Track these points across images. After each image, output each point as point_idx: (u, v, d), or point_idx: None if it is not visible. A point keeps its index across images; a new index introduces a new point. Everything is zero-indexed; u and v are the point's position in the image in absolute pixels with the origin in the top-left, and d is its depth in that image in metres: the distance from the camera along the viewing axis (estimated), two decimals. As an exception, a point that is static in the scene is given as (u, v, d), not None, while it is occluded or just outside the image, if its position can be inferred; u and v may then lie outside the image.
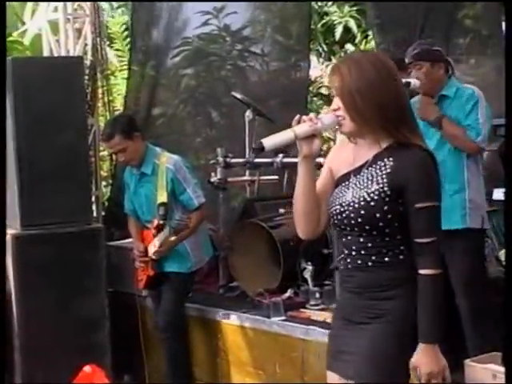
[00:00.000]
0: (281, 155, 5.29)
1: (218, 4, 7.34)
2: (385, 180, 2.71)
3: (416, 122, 2.85)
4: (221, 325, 5.19)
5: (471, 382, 3.97)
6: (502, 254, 5.51)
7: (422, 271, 2.69)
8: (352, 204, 2.75)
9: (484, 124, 4.48)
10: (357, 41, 10.90)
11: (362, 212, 2.72)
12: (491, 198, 5.22)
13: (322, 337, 4.51)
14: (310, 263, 5.08)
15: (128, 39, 8.95)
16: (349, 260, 2.80)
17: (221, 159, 5.57)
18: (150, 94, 7.20)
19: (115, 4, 11.63)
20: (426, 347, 2.68)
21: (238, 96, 6.15)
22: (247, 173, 6.04)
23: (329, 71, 2.85)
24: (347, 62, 2.80)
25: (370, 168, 2.77)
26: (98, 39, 6.73)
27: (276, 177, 6.02)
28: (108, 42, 10.07)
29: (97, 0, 6.87)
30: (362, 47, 10.82)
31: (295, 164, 5.34)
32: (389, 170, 2.72)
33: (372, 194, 2.72)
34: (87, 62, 6.59)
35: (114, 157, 6.56)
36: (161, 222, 5.04)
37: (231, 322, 5.12)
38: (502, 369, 3.77)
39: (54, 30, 6.77)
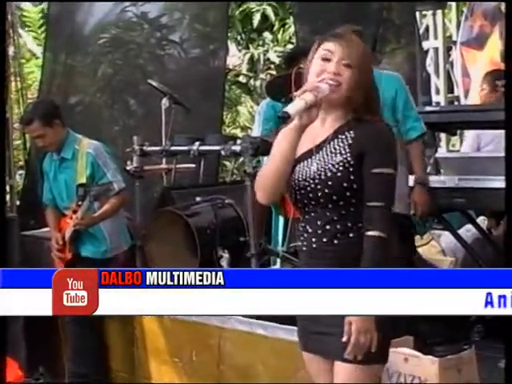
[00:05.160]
0: (197, 143, 5.28)
1: (136, -9, 7.29)
2: (347, 150, 2.79)
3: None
4: (137, 314, 5.16)
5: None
6: (415, 239, 5.62)
7: (369, 233, 2.73)
8: (318, 177, 2.80)
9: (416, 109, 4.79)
10: (275, 29, 10.96)
11: (330, 183, 2.78)
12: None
13: (238, 325, 4.54)
14: (226, 251, 5.08)
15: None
16: (314, 239, 2.83)
17: (137, 147, 5.53)
18: (66, 81, 7.10)
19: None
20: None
21: (154, 84, 6.11)
22: (164, 161, 6.00)
23: (332, 35, 2.88)
24: (352, 34, 2.90)
25: (331, 142, 2.83)
26: (11, 26, 6.59)
27: (193, 165, 6.00)
28: (26, 28, 9.93)
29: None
30: (279, 35, 10.89)
31: (212, 152, 5.44)
32: (350, 142, 2.80)
33: (337, 165, 2.78)
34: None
35: (27, 145, 6.46)
36: (79, 203, 5.01)
37: (148, 310, 5.09)
38: (413, 352, 3.84)
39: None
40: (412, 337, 3.98)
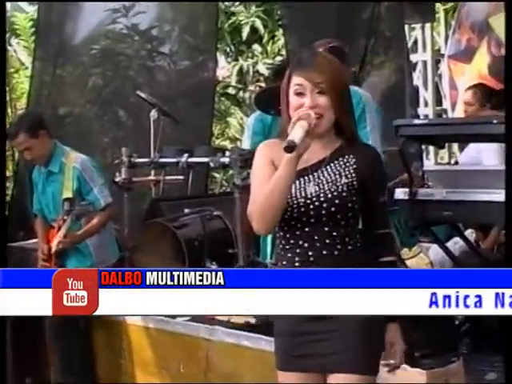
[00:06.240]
0: (186, 155, 5.29)
1: (127, 2, 7.30)
2: (353, 175, 2.87)
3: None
4: (125, 325, 5.14)
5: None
6: (403, 252, 5.63)
7: (384, 259, 2.90)
8: (323, 196, 2.85)
9: (372, 131, 4.69)
10: (264, 41, 10.99)
11: (337, 201, 2.84)
12: (392, 197, 5.30)
13: (226, 336, 4.55)
14: (214, 263, 5.09)
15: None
16: (311, 253, 2.86)
17: (125, 159, 5.53)
18: (55, 92, 7.10)
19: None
20: (394, 325, 2.88)
21: (143, 95, 6.13)
22: (152, 172, 6.01)
23: (299, 66, 2.87)
24: (327, 58, 2.91)
25: (331, 164, 2.89)
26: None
27: (181, 177, 6.00)
28: (15, 37, 9.93)
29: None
30: (268, 48, 10.91)
31: (200, 164, 5.44)
32: (355, 166, 2.88)
33: (341, 187, 2.85)
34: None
35: (16, 156, 6.45)
36: (65, 217, 5.00)
37: (135, 322, 5.09)
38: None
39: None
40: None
